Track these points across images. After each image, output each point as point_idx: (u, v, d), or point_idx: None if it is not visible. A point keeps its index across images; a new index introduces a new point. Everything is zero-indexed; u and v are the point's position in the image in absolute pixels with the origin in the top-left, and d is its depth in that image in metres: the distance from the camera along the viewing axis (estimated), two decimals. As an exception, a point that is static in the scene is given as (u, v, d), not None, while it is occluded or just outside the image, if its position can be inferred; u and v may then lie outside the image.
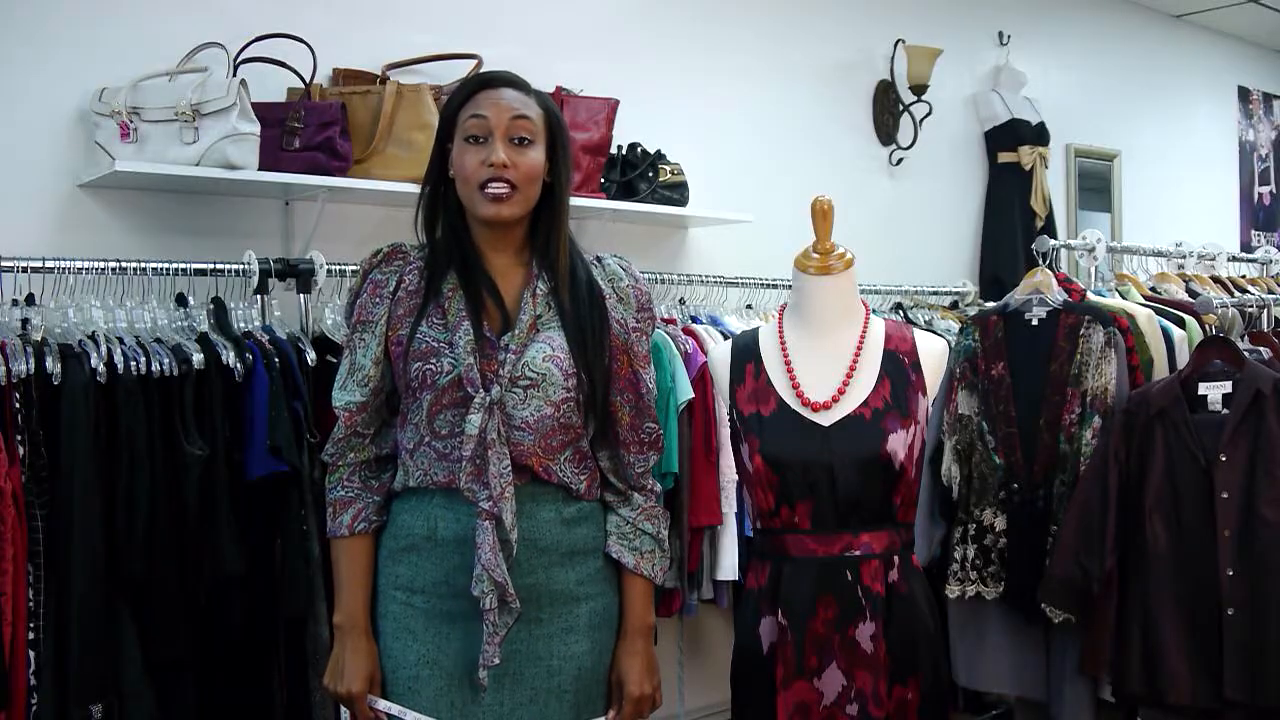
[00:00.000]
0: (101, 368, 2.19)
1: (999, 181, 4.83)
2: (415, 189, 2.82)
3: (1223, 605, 2.42)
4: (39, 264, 2.34)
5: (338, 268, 2.69)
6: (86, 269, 2.39)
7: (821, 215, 2.14)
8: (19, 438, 2.12)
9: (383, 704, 1.78)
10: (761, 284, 3.55)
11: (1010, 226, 4.74)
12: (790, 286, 2.23)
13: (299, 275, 2.63)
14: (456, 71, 3.03)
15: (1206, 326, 2.93)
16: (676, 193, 3.43)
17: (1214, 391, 2.54)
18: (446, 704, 1.76)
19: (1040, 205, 4.79)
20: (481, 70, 2.99)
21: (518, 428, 1.75)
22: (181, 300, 2.53)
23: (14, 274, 2.32)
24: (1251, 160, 6.52)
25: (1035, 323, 2.76)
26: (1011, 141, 4.79)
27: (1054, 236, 4.24)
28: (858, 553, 2.02)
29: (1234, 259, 4.25)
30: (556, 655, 1.79)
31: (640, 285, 1.90)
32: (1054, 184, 5.03)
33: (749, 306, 3.60)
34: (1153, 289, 3.54)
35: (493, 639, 1.72)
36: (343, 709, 1.84)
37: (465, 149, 1.77)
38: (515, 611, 1.74)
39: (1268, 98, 6.64)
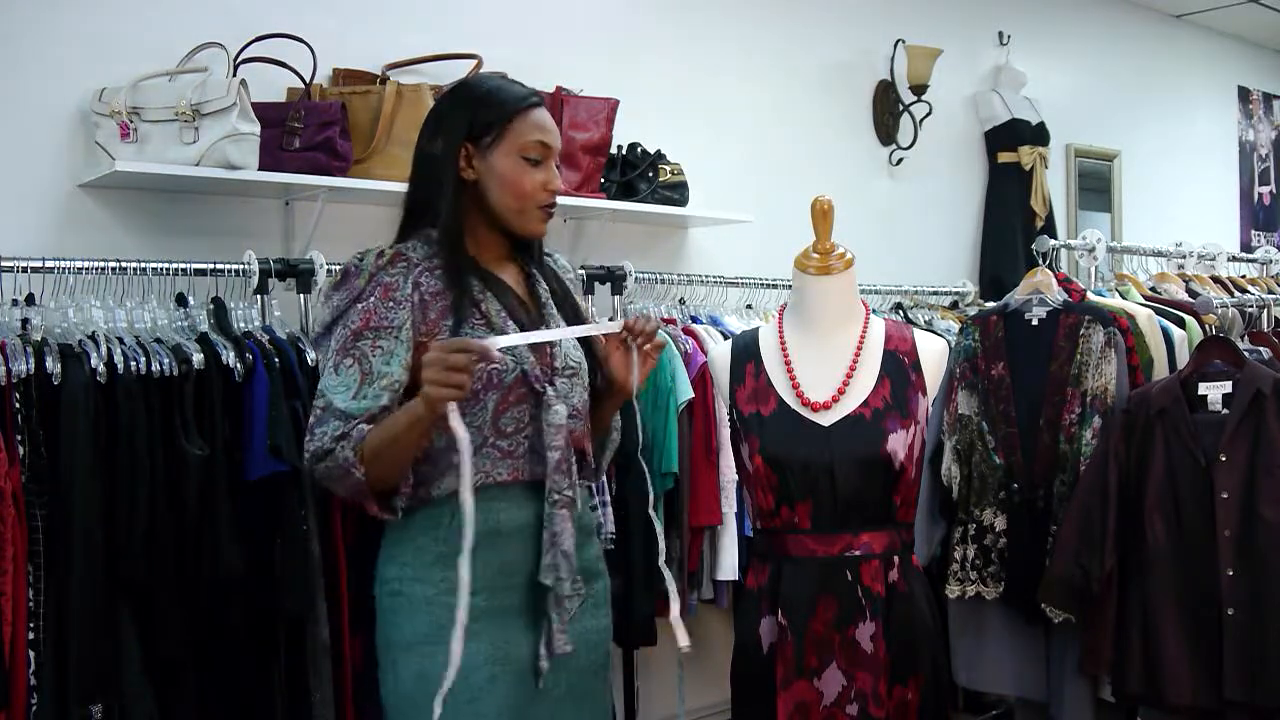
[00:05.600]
0: (101, 368, 2.19)
1: (999, 181, 4.83)
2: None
3: (1223, 605, 2.42)
4: (39, 264, 2.34)
5: (338, 268, 2.68)
6: (86, 269, 2.39)
7: (821, 215, 2.15)
8: (19, 438, 2.12)
9: (503, 341, 1.73)
10: (761, 284, 3.56)
11: (1010, 226, 4.74)
12: (790, 286, 2.23)
13: (299, 275, 2.63)
14: (456, 71, 3.03)
15: (1206, 326, 2.93)
16: (676, 193, 3.43)
17: (1214, 391, 2.54)
18: (524, 694, 1.78)
19: (1040, 205, 4.79)
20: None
21: (571, 415, 1.85)
22: (181, 300, 2.53)
23: (14, 274, 2.32)
24: (1251, 160, 6.52)
25: (1035, 323, 2.76)
26: (1011, 141, 4.79)
27: (1054, 236, 4.24)
28: (858, 553, 2.02)
29: (1234, 259, 4.25)
30: (590, 630, 1.88)
31: (576, 278, 2.07)
32: (1054, 184, 5.03)
33: (749, 306, 3.60)
34: (1153, 289, 3.54)
35: (564, 627, 1.78)
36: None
37: (524, 167, 1.82)
38: (582, 595, 1.82)
39: (1268, 98, 6.64)
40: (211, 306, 2.52)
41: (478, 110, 1.83)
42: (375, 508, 1.78)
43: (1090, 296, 2.92)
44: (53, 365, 2.16)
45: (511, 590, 1.79)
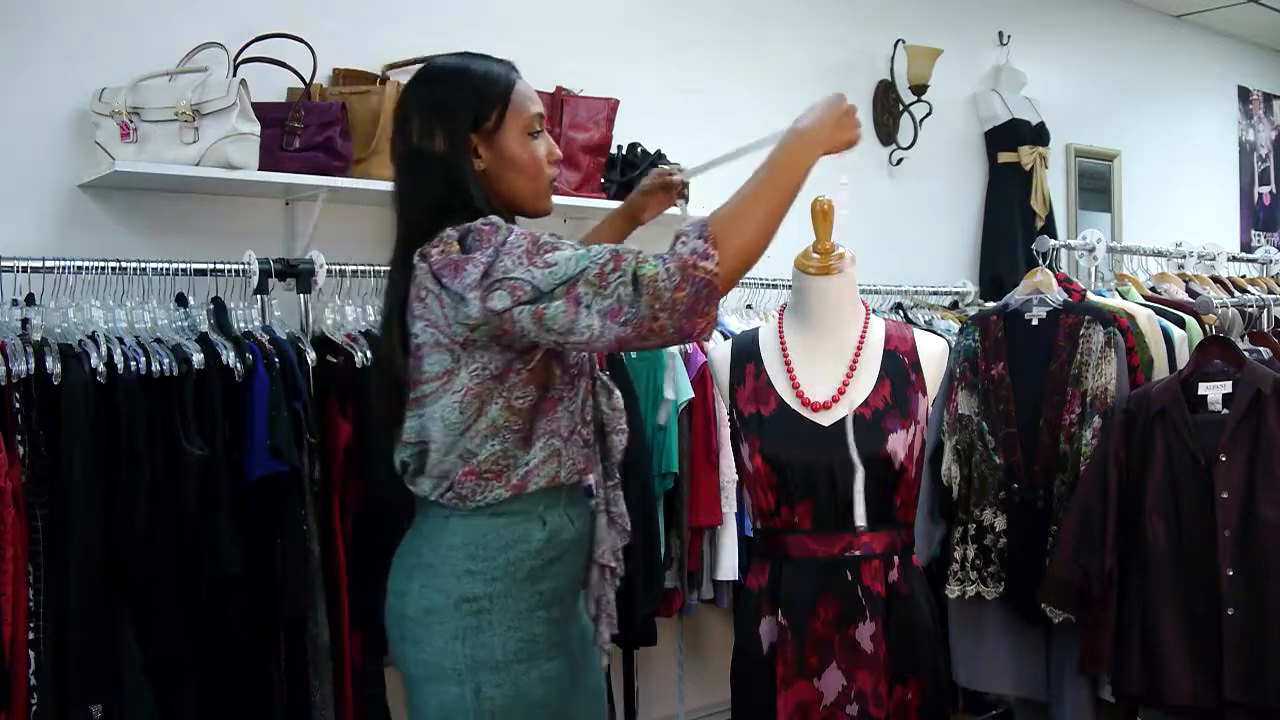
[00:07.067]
0: (101, 368, 2.19)
1: (999, 181, 4.83)
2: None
3: (1223, 605, 2.42)
4: (39, 264, 2.34)
5: (338, 268, 2.69)
6: (86, 269, 2.39)
7: (821, 215, 2.15)
8: (19, 438, 2.12)
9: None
10: (761, 284, 3.56)
11: (1010, 226, 4.74)
12: (790, 286, 2.23)
13: (299, 275, 2.63)
14: (456, 71, 3.03)
15: (1206, 326, 2.93)
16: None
17: (1214, 391, 2.54)
18: (591, 696, 1.82)
19: (1040, 205, 4.79)
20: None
21: None
22: (181, 300, 2.53)
23: (14, 274, 2.32)
24: (1251, 160, 6.52)
25: (1035, 323, 2.76)
26: (1011, 141, 4.79)
27: (1054, 236, 4.24)
28: (858, 553, 2.02)
29: (1234, 259, 4.25)
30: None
31: None
32: (1054, 184, 5.03)
33: (749, 306, 3.60)
34: (1153, 289, 3.54)
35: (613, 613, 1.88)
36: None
37: (529, 144, 1.74)
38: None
39: (1268, 98, 6.64)
40: (211, 306, 2.52)
41: (479, 96, 1.71)
42: (714, 312, 1.59)
43: (1090, 296, 2.92)
44: (53, 365, 2.16)
45: (573, 598, 1.79)
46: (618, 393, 1.87)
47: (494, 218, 1.64)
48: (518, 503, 1.69)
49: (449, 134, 1.69)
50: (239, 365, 2.34)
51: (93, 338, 2.27)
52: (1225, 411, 2.51)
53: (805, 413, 2.05)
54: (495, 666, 1.66)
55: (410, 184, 1.72)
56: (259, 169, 2.60)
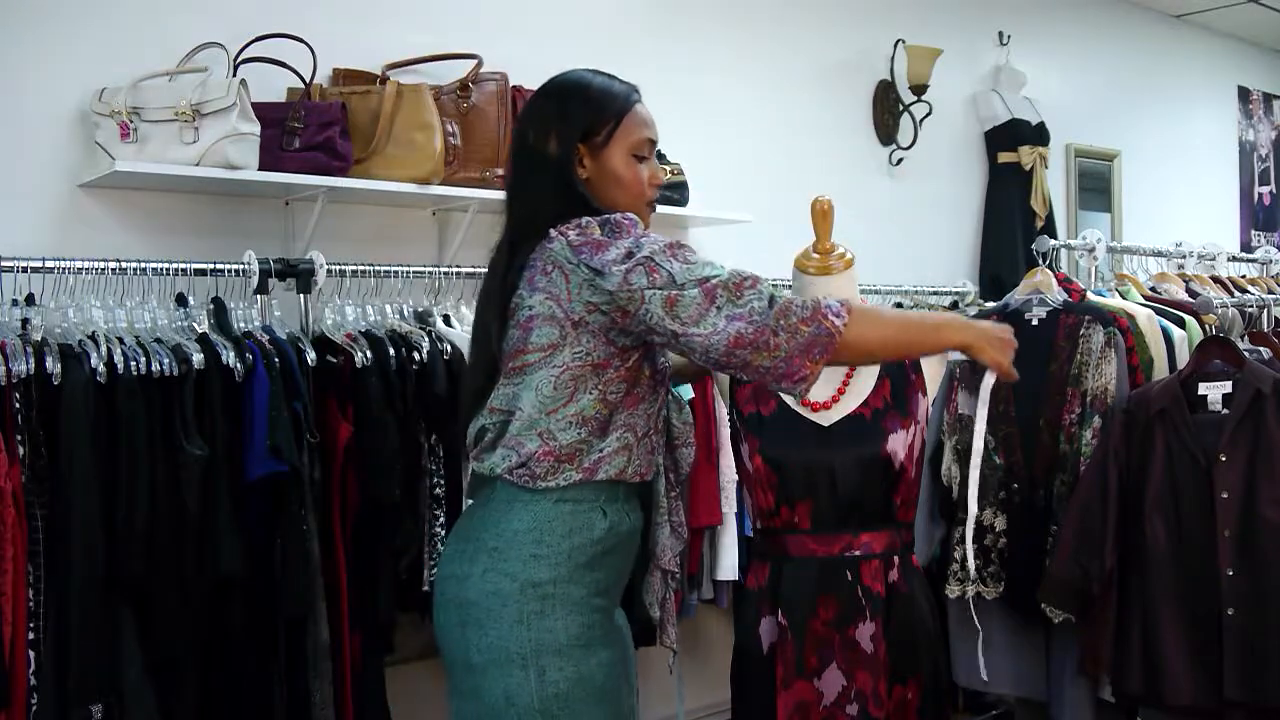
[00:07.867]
0: (101, 368, 2.19)
1: (999, 181, 4.82)
2: (415, 189, 2.86)
3: (1223, 605, 2.42)
4: (39, 264, 2.34)
5: (338, 268, 2.69)
6: (86, 269, 2.39)
7: (821, 215, 2.15)
8: (19, 438, 2.12)
9: None
10: (761, 284, 3.55)
11: (1010, 226, 4.74)
12: (790, 286, 2.23)
13: (299, 275, 2.63)
14: (456, 71, 3.03)
15: (1206, 326, 2.93)
16: (676, 193, 3.43)
17: (1214, 391, 2.54)
18: (630, 689, 1.87)
19: (1040, 205, 4.79)
20: (482, 69, 3.01)
21: None
22: (181, 300, 2.53)
23: (14, 274, 2.32)
24: (1251, 160, 6.52)
25: (1035, 323, 2.76)
26: (1011, 141, 4.78)
27: (1054, 236, 4.24)
28: (858, 553, 2.02)
29: (1234, 259, 4.25)
30: None
31: None
32: (1054, 184, 5.03)
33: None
34: (1153, 289, 3.54)
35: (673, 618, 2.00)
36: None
37: (634, 164, 1.83)
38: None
39: (1268, 98, 6.64)
40: (211, 306, 2.52)
41: (593, 110, 1.81)
42: (820, 370, 1.64)
43: (1090, 296, 2.92)
44: (53, 365, 2.16)
45: (618, 590, 1.85)
46: (688, 408, 1.95)
47: (631, 214, 1.74)
48: (583, 490, 1.75)
49: (560, 140, 1.80)
50: (239, 365, 2.34)
51: (93, 338, 2.27)
52: (1225, 411, 2.51)
53: (805, 413, 2.06)
54: (559, 650, 1.71)
55: (522, 182, 1.84)
56: (259, 169, 2.60)
